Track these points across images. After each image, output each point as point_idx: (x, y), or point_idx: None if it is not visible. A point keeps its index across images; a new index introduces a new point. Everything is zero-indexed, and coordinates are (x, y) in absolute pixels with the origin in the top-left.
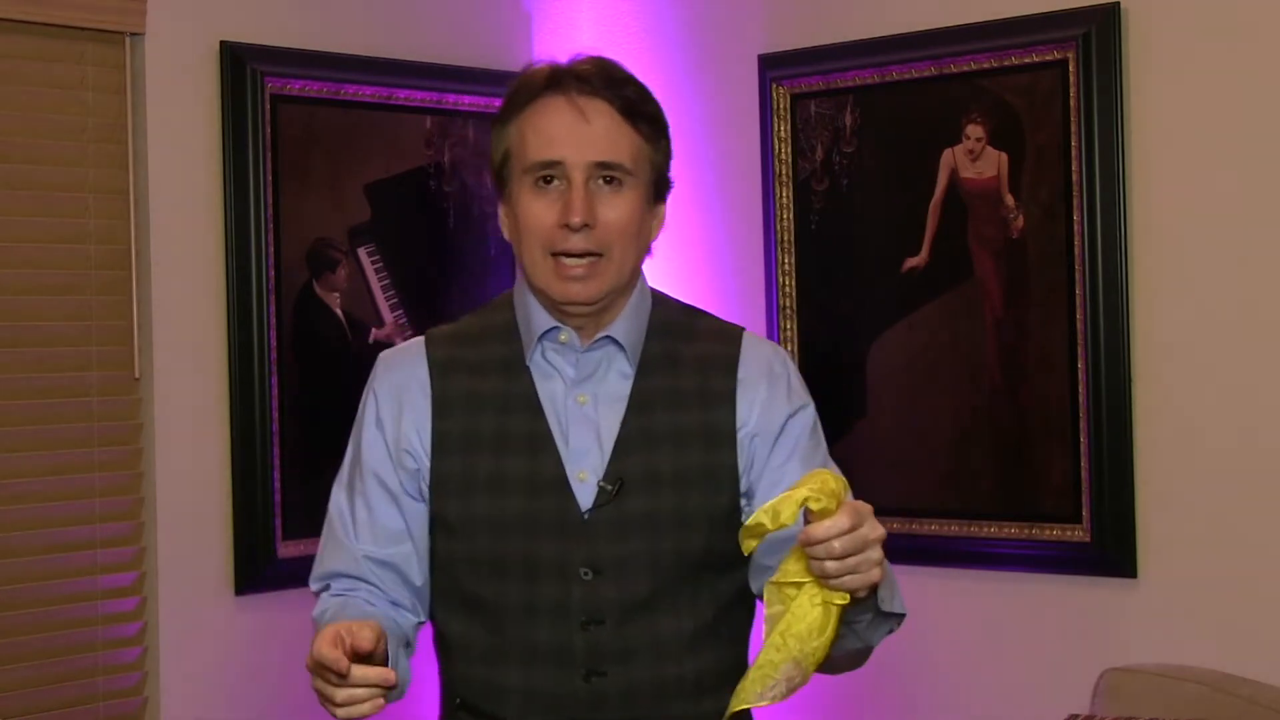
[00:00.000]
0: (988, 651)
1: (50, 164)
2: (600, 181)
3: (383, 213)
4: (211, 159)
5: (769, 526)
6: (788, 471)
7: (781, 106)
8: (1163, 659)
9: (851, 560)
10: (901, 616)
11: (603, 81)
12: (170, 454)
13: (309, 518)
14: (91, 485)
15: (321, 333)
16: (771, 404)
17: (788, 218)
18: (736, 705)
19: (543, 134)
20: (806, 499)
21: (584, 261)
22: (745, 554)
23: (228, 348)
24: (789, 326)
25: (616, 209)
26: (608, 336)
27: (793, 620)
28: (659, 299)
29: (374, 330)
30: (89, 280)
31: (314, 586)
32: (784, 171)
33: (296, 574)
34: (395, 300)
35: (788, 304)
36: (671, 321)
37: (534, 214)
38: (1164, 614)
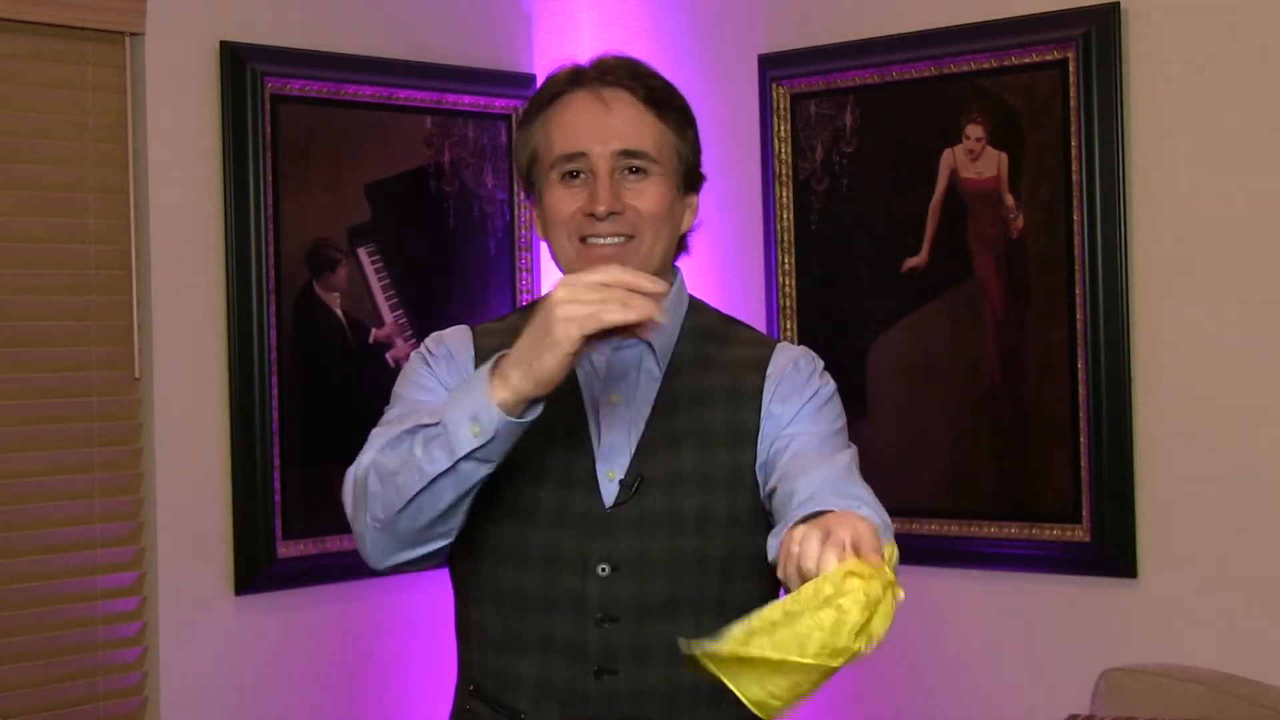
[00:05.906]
0: (988, 651)
1: (50, 164)
2: (626, 171)
3: (383, 213)
4: (211, 159)
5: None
6: (796, 427)
7: (781, 106)
8: (1163, 659)
9: None
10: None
11: (626, 73)
12: (170, 454)
13: (309, 518)
14: (91, 485)
15: (321, 333)
16: (789, 385)
17: (788, 218)
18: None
19: (566, 128)
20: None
21: (613, 243)
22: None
23: (228, 348)
24: (789, 326)
25: (643, 196)
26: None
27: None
28: (696, 305)
29: (374, 330)
30: (89, 280)
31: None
32: (784, 171)
33: (296, 574)
34: (395, 300)
35: (787, 304)
36: (707, 327)
37: (560, 202)
38: (1164, 614)
